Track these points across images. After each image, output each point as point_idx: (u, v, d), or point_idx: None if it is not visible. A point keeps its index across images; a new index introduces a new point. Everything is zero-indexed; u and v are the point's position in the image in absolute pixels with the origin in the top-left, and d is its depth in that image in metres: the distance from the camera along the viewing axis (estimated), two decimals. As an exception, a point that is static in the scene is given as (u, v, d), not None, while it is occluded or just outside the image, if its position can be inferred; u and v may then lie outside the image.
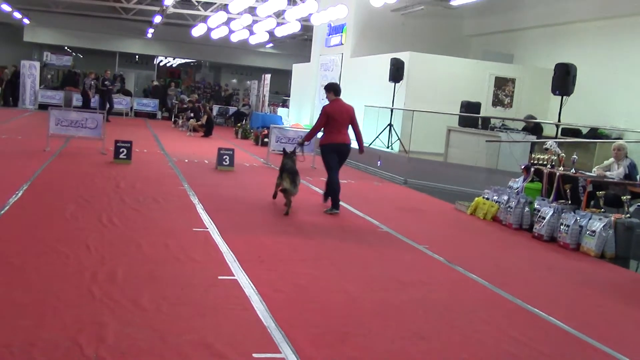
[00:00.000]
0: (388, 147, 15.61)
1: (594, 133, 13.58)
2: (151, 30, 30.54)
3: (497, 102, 16.67)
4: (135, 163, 12.08)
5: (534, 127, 13.63)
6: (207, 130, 20.56)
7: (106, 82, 23.32)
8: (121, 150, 12.08)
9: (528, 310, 5.43)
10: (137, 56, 35.77)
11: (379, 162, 14.78)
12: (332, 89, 9.14)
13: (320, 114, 9.02)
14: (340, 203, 9.09)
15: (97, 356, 3.65)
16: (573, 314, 5.44)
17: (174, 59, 37.77)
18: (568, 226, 8.08)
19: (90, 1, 25.01)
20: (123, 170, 11.04)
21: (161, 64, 37.67)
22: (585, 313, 5.57)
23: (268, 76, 24.77)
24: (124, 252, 5.92)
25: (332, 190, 8.94)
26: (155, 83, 30.70)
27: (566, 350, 4.57)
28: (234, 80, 38.94)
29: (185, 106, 23.70)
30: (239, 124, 23.19)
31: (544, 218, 8.48)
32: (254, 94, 27.20)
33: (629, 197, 8.40)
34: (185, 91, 31.34)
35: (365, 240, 7.56)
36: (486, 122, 14.14)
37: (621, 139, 12.22)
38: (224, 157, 12.63)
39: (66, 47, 33.74)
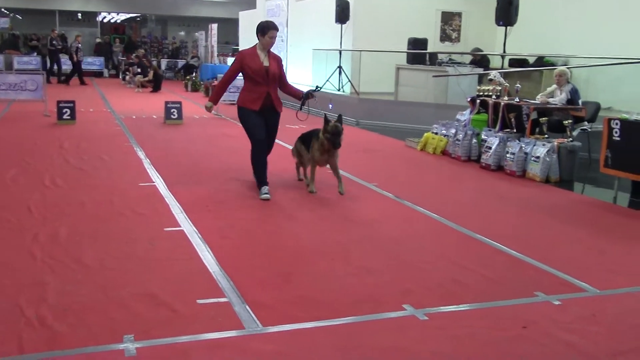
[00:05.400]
0: (339, 90, 15.53)
1: (540, 62, 13.69)
2: (90, -15, 29.43)
3: (444, 37, 16.64)
4: (80, 123, 11.79)
5: (480, 60, 13.68)
6: (156, 85, 20.14)
7: (54, 42, 22.54)
8: (64, 110, 11.75)
9: (475, 238, 5.54)
10: (78, 14, 34.48)
11: (330, 106, 14.71)
12: None
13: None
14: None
15: (37, 316, 3.60)
16: (518, 238, 5.57)
17: (117, 14, 36.53)
18: (513, 154, 8.22)
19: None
20: (67, 131, 10.77)
21: (104, 20, 36.43)
22: (530, 236, 5.70)
23: (215, 26, 24.24)
24: (66, 212, 5.81)
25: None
26: (99, 40, 29.76)
27: (511, 273, 4.68)
28: (182, 33, 38.01)
29: (131, 61, 23.12)
30: (188, 77, 22.75)
31: (490, 148, 8.60)
32: (202, 45, 26.63)
33: (570, 121, 8.56)
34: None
35: (314, 182, 7.55)
36: (434, 58, 14.14)
37: (566, 65, 12.36)
38: (172, 110, 12.40)
39: (2, 9, 32.32)
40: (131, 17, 37.13)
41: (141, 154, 8.85)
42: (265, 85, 6.59)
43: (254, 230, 5.53)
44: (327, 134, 6.60)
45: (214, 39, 24.28)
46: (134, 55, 23.86)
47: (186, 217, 5.77)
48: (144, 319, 3.61)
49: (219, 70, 21.72)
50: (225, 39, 31.43)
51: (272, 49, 6.80)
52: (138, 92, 19.85)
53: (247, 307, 3.82)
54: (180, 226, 5.49)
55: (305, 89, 7.13)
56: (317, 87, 7.17)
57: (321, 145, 6.71)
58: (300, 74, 18.90)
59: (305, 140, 7.13)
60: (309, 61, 17.55)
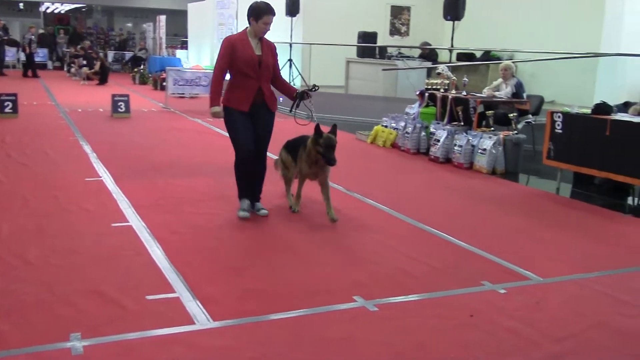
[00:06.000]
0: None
1: (487, 56, 13.97)
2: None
3: (394, 31, 16.80)
4: (23, 116, 11.44)
5: (429, 54, 13.87)
6: (102, 77, 19.69)
7: (0, 33, 21.78)
8: (6, 103, 11.38)
9: (423, 229, 5.63)
10: (20, 4, 33.36)
11: (280, 99, 14.67)
12: None
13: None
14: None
15: (-22, 315, 3.50)
16: (465, 229, 5.67)
17: (61, 5, 35.48)
18: (461, 146, 8.37)
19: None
20: (9, 125, 10.44)
21: (48, 10, 35.37)
22: (476, 227, 5.82)
23: (163, 17, 23.83)
24: (8, 208, 5.63)
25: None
26: (42, 31, 28.88)
27: (458, 264, 4.77)
28: (129, 24, 37.22)
29: (77, 53, 22.56)
30: (136, 69, 22.33)
31: (438, 141, 8.73)
32: (150, 37, 26.17)
33: (515, 114, 8.77)
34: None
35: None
36: (383, 52, 14.27)
37: (512, 59, 12.63)
38: (119, 103, 12.15)
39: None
40: (76, 8, 36.11)
41: (87, 148, 8.65)
42: (256, 79, 5.48)
43: (203, 224, 5.48)
44: (320, 148, 5.56)
45: (162, 31, 23.88)
46: (79, 46, 23.31)
47: (134, 212, 5.68)
48: (91, 317, 3.54)
49: (167, 62, 21.41)
50: (173, 31, 30.93)
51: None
52: (84, 84, 19.37)
53: (197, 302, 3.79)
54: (128, 221, 5.40)
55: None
56: (314, 86, 6.05)
57: (308, 155, 5.71)
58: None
59: (293, 148, 6.06)
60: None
